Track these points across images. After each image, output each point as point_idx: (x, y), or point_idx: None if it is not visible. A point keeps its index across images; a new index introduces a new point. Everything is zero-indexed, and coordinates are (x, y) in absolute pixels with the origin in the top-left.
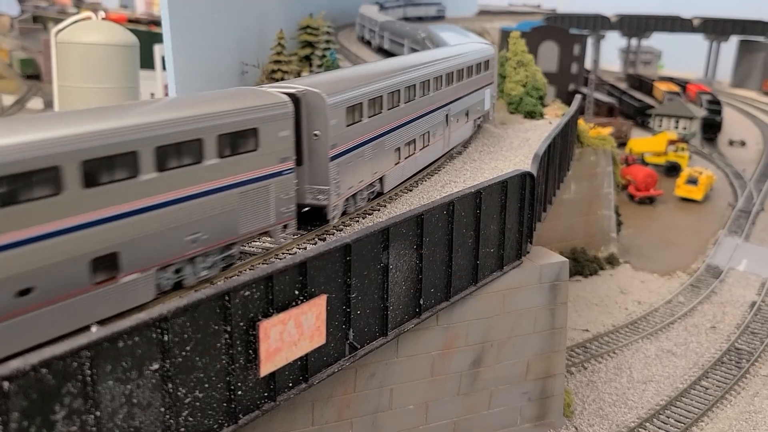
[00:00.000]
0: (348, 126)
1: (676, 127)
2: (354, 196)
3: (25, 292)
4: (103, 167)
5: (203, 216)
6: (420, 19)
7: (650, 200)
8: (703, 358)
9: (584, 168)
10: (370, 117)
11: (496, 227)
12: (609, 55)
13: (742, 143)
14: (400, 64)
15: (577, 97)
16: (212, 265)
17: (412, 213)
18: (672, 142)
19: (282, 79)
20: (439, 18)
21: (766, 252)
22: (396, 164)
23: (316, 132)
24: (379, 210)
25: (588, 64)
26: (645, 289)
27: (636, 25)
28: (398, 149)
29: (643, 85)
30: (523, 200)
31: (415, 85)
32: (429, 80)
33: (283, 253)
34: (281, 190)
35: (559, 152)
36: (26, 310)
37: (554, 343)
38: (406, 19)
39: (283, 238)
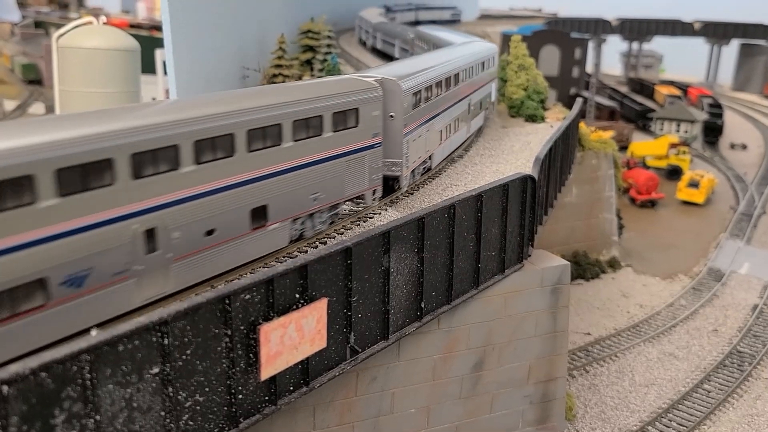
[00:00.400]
0: (413, 109)
1: (678, 131)
2: (414, 170)
3: (210, 233)
4: (259, 137)
5: (322, 179)
6: (433, 22)
7: (652, 203)
8: (705, 362)
9: (586, 171)
10: (426, 102)
11: (498, 230)
12: (610, 59)
13: (744, 146)
14: (440, 59)
15: (578, 101)
16: (324, 221)
17: (413, 216)
18: (673, 146)
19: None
20: (454, 22)
21: (767, 255)
22: (440, 144)
23: (391, 113)
24: (380, 213)
25: (589, 68)
26: (647, 293)
27: (637, 29)
28: (441, 131)
29: (645, 88)
30: (525, 203)
31: (451, 77)
32: (459, 73)
33: (284, 256)
34: (373, 161)
35: (561, 156)
36: (211, 246)
37: (556, 346)
38: (418, 22)
39: (372, 201)
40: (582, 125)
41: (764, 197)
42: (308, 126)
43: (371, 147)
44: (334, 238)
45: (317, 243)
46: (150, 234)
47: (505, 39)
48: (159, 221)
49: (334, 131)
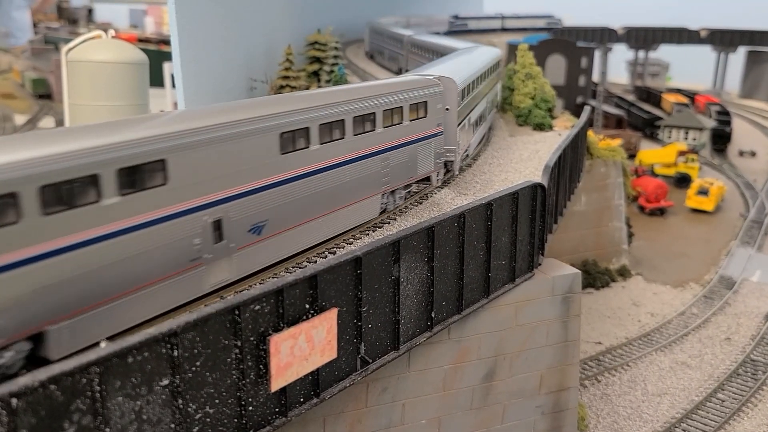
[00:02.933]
0: (461, 103)
1: (686, 138)
2: (461, 156)
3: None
4: (360, 122)
5: (401, 161)
6: (524, 30)
7: (661, 212)
8: (719, 370)
9: (594, 180)
10: (468, 97)
11: (508, 239)
12: (617, 67)
13: (753, 153)
14: (474, 60)
15: (587, 109)
16: (402, 196)
17: (423, 225)
18: (682, 153)
19: None
20: (549, 30)
21: None
22: (473, 135)
23: (447, 107)
24: (389, 223)
25: (595, 76)
26: (658, 301)
27: (643, 38)
28: (473, 125)
29: (651, 96)
30: (535, 212)
31: (479, 77)
32: (483, 73)
33: (293, 267)
34: (437, 147)
35: (570, 164)
36: (328, 212)
37: (567, 355)
38: (504, 29)
39: (437, 182)
40: (590, 133)
41: None
42: (392, 115)
43: (436, 135)
44: (343, 248)
45: (326, 253)
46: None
47: (511, 49)
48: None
49: (411, 120)
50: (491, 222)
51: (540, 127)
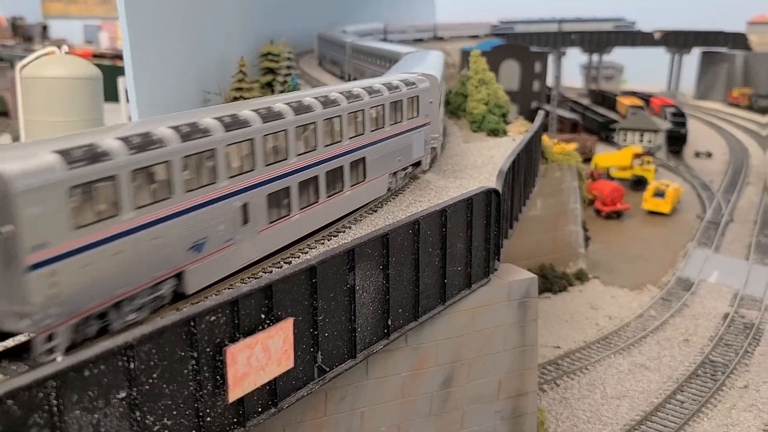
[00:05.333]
0: (441, 98)
1: (641, 141)
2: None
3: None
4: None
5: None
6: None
7: (617, 215)
8: (678, 372)
9: (550, 184)
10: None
11: (463, 245)
12: (571, 71)
13: (709, 154)
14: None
15: (540, 113)
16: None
17: (378, 233)
18: (637, 156)
19: None
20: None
21: (736, 263)
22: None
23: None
24: (344, 231)
25: (550, 81)
26: (615, 304)
27: (597, 41)
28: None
29: (606, 100)
30: (489, 217)
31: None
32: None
33: (249, 278)
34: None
35: (524, 169)
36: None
37: (526, 360)
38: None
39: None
40: (545, 138)
41: (731, 204)
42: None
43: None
44: (299, 257)
45: (282, 263)
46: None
47: (465, 55)
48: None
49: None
50: (446, 228)
51: (494, 132)
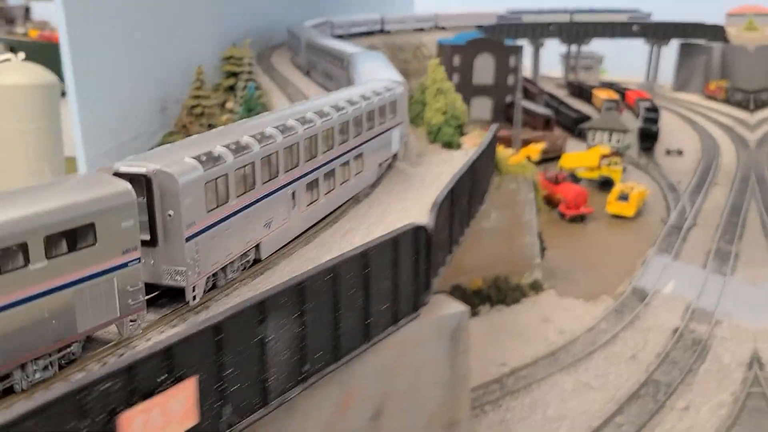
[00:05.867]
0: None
1: (610, 140)
2: None
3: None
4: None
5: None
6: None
7: (581, 218)
8: (621, 392)
9: (504, 196)
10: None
11: (389, 283)
12: (552, 60)
13: (680, 152)
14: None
15: (492, 128)
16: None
17: (292, 282)
18: (605, 157)
19: (202, 114)
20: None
21: (694, 271)
22: None
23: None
24: (263, 274)
25: (528, 72)
26: (568, 317)
27: (575, 32)
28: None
29: (583, 92)
30: (418, 253)
31: None
32: None
33: (146, 340)
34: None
35: (470, 188)
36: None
37: (457, 391)
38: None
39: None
40: (500, 148)
41: (696, 207)
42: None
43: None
44: (198, 313)
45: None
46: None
47: (441, 49)
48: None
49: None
50: (368, 269)
51: (448, 145)
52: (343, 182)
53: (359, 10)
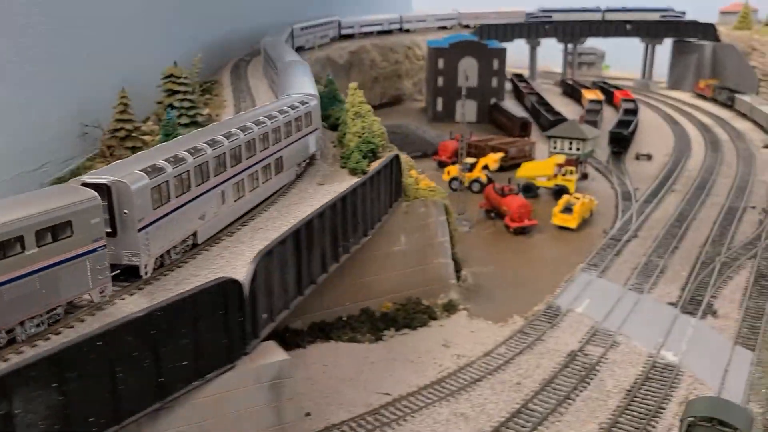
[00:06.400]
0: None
1: (570, 148)
2: None
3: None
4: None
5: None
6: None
7: (523, 231)
8: (491, 422)
9: (414, 220)
10: None
11: (190, 339)
12: (556, 55)
13: (649, 157)
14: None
15: (391, 155)
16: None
17: (43, 354)
18: (560, 166)
19: (127, 137)
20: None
21: (613, 289)
22: None
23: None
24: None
25: (520, 72)
26: (471, 340)
27: (570, 31)
28: None
29: (575, 92)
30: (227, 307)
31: None
32: None
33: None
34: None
35: (342, 223)
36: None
37: None
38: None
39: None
40: (413, 173)
41: (643, 218)
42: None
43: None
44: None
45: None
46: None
47: (430, 51)
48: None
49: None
50: (158, 330)
51: (354, 172)
52: (265, 181)
53: (349, 12)
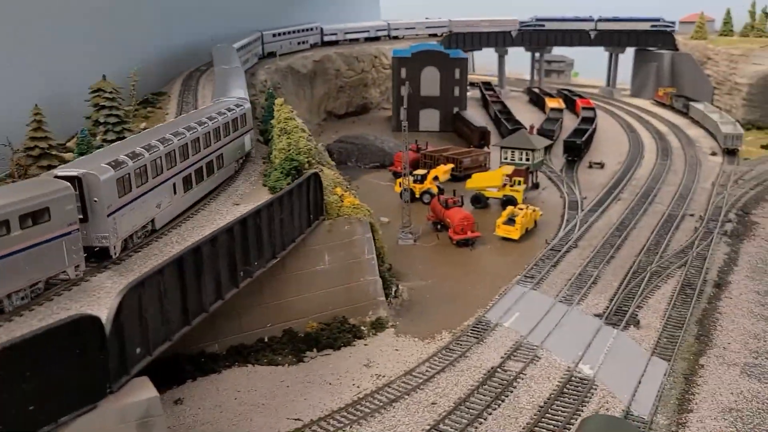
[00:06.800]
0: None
1: (521, 159)
2: None
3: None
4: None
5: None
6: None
7: (467, 243)
8: None
9: (338, 238)
10: None
11: (30, 386)
12: (525, 63)
13: (601, 165)
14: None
15: (308, 174)
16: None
17: None
18: (508, 176)
19: (44, 155)
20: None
21: (544, 301)
22: None
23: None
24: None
25: (479, 78)
26: (394, 359)
27: (537, 40)
28: None
29: (539, 100)
30: (87, 344)
31: None
32: None
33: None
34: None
35: (242, 246)
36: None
37: None
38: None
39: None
40: (338, 190)
41: (585, 227)
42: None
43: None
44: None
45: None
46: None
47: (395, 61)
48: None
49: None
50: None
51: (273, 190)
52: (209, 175)
53: (316, 19)
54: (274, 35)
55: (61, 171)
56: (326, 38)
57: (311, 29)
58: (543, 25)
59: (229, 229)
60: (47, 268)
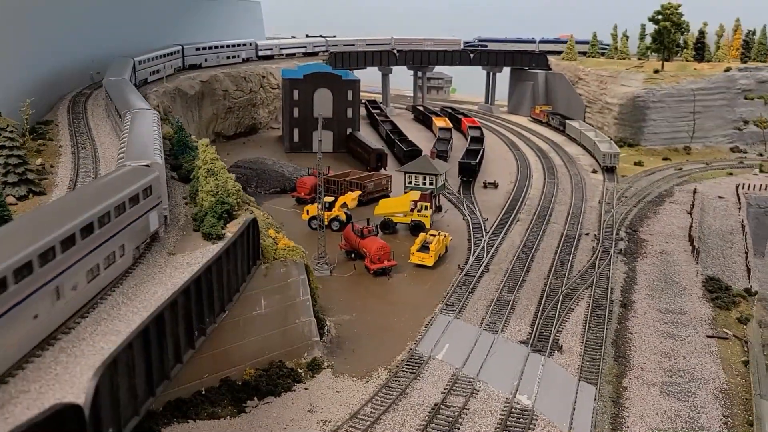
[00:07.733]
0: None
1: (424, 183)
2: None
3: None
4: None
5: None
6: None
7: (384, 272)
8: None
9: (273, 281)
10: None
11: None
12: (407, 79)
13: (495, 185)
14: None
15: (248, 220)
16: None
17: None
18: (416, 202)
19: None
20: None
21: (469, 330)
22: None
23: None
24: None
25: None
26: (337, 402)
27: (419, 59)
28: None
29: (426, 118)
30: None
31: None
32: None
33: None
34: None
35: (195, 305)
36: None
37: None
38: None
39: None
40: (271, 232)
41: (493, 250)
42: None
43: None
44: None
45: None
46: None
47: (285, 82)
48: None
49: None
50: None
51: (208, 237)
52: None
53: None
54: (197, 49)
55: None
56: (261, 53)
57: (245, 44)
58: (486, 46)
59: (185, 289)
60: (152, 226)
